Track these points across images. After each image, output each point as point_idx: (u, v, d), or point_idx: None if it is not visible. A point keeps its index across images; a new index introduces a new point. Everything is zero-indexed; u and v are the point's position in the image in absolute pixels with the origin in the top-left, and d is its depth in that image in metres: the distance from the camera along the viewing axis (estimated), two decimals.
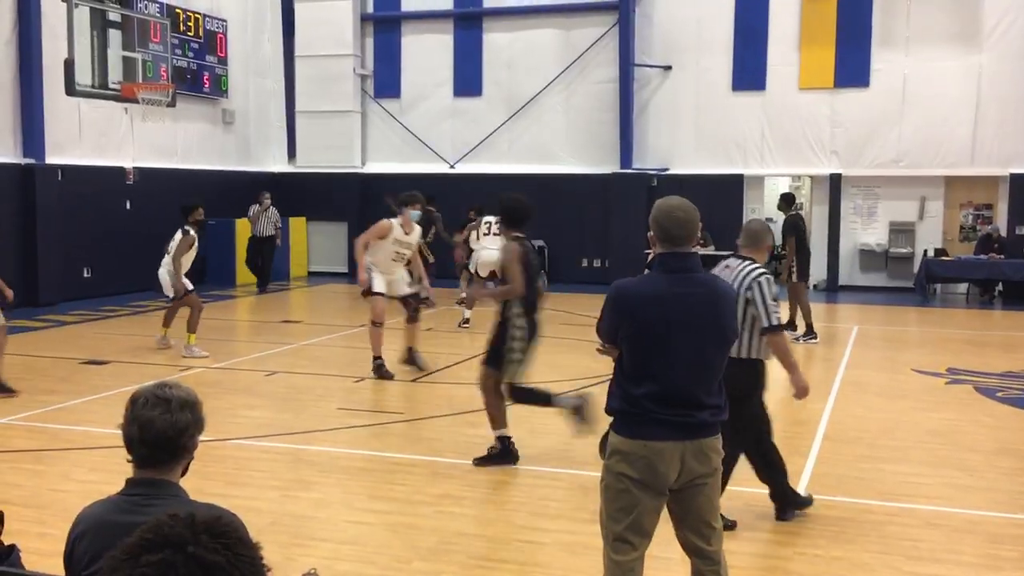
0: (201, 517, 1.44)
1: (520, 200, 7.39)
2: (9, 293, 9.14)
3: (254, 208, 18.25)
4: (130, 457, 2.64)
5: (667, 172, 19.15)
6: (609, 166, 19.46)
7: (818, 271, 19.35)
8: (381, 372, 10.11)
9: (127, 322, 14.17)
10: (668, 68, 19.23)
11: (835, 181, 18.73)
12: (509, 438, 7.06)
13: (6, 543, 2.85)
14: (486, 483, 6.62)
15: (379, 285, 10.21)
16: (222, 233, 18.40)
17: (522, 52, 19.90)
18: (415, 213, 10.24)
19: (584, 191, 19.39)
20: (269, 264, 18.41)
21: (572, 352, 11.82)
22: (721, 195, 18.50)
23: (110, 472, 6.46)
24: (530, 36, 19.95)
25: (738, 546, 5.20)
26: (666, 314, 3.69)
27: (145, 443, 2.57)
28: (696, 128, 19.23)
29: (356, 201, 20.79)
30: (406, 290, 10.53)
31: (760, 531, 5.70)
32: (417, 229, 10.40)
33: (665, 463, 3.70)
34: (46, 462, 7.10)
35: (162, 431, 2.57)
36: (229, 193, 19.09)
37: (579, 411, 6.92)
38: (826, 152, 18.75)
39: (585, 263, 19.65)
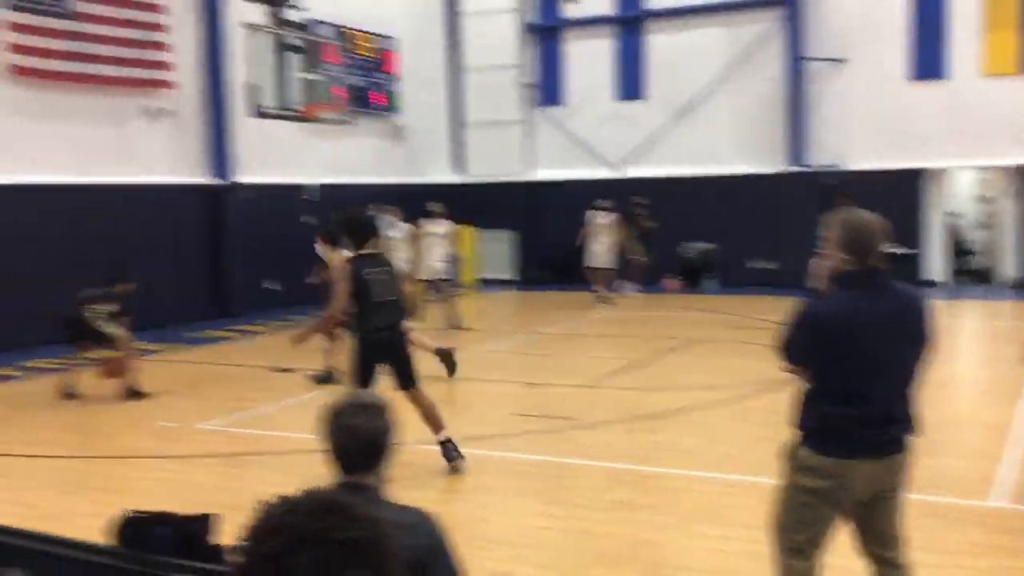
0: (309, 501, 1.40)
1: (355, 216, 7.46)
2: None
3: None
4: (335, 463, 2.78)
5: (839, 169, 18.48)
6: (778, 165, 18.96)
7: (1009, 267, 18.23)
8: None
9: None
10: (839, 61, 18.57)
11: None
12: (449, 440, 7.02)
13: (214, 544, 3.05)
14: (663, 489, 6.59)
15: None
16: None
17: (685, 53, 19.66)
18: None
19: (751, 191, 18.96)
20: None
21: (739, 356, 11.61)
22: (899, 191, 17.69)
23: (301, 476, 6.80)
24: (693, 36, 19.69)
25: (931, 558, 4.98)
26: (864, 335, 3.59)
27: (355, 449, 2.71)
28: (870, 122, 18.47)
29: (523, 209, 21.06)
30: None
31: (951, 542, 5.43)
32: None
33: (856, 480, 3.65)
34: (242, 466, 7.53)
35: (367, 437, 2.71)
36: (400, 205, 19.66)
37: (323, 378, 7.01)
38: (1014, 141, 17.64)
39: (754, 265, 19.20)
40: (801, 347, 3.73)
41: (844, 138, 18.68)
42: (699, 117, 19.66)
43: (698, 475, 6.86)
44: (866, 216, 3.73)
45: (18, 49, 13.06)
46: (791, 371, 3.85)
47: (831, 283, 3.72)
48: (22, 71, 13.12)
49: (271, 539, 1.35)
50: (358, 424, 2.72)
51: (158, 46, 14.99)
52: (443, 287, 14.37)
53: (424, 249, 14.30)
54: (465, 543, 5.47)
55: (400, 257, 13.76)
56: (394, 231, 13.91)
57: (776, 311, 14.64)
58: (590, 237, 16.95)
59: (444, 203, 20.19)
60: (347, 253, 10.68)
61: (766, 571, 4.76)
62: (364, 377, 6.85)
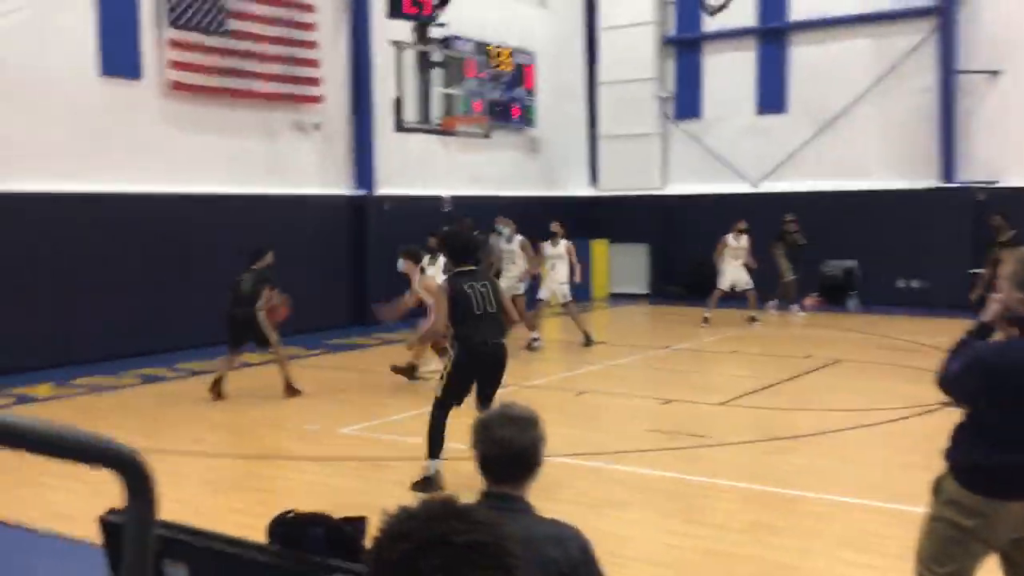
0: (432, 507, 1.42)
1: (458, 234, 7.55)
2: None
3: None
4: (484, 473, 2.84)
5: (996, 185, 17.64)
6: (928, 180, 18.23)
7: None
8: None
9: None
10: (996, 73, 17.74)
11: None
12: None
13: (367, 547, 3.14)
14: (803, 514, 6.42)
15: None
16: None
17: (831, 64, 19.14)
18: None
19: (899, 207, 18.28)
20: None
21: (883, 378, 11.21)
22: None
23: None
24: (840, 47, 19.15)
25: None
26: None
27: (506, 461, 2.76)
28: None
29: (658, 223, 20.90)
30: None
31: None
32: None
33: (1009, 521, 3.51)
34: (382, 470, 7.71)
35: (521, 448, 2.76)
36: (535, 218, 19.82)
37: (426, 483, 6.85)
38: None
39: (901, 284, 18.50)
40: (965, 388, 3.63)
41: (999, 153, 17.82)
42: (844, 130, 19.10)
43: (840, 500, 6.65)
44: None
45: (176, 65, 13.78)
46: (951, 403, 3.75)
47: (1005, 323, 3.56)
48: (180, 87, 13.84)
49: (395, 545, 1.39)
50: (509, 436, 2.77)
51: (308, 63, 15.58)
52: (569, 306, 14.31)
53: (547, 269, 14.30)
54: (601, 559, 5.48)
55: (512, 272, 13.86)
56: (511, 244, 13.96)
57: (923, 332, 14.17)
58: (722, 258, 16.50)
59: (577, 217, 20.31)
60: (431, 272, 10.96)
61: None
62: (460, 390, 6.95)
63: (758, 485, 6.98)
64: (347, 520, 3.16)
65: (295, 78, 15.43)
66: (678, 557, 5.62)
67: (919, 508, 5.85)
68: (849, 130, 19.05)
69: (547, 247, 14.37)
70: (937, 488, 3.71)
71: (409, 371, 11.10)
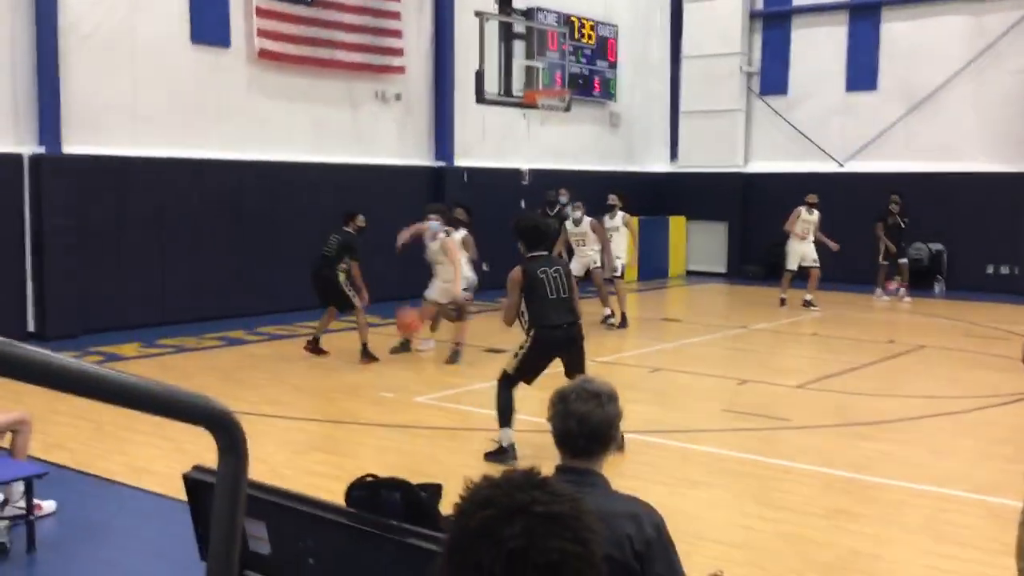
0: (515, 478, 1.44)
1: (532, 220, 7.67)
2: (365, 297, 10.65)
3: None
4: (560, 447, 2.83)
5: None
6: (1022, 164, 17.58)
7: None
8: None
9: None
10: None
11: None
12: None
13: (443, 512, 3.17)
14: (884, 501, 6.28)
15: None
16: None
17: (925, 41, 18.52)
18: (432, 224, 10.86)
19: (991, 191, 17.67)
20: None
21: (968, 366, 10.90)
22: None
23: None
24: (935, 24, 18.51)
25: None
26: None
27: (583, 435, 2.75)
28: None
29: (738, 201, 20.57)
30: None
31: None
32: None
33: None
34: (458, 440, 7.78)
35: (598, 423, 2.74)
36: (619, 193, 19.67)
37: (500, 453, 6.90)
38: None
39: (991, 269, 17.92)
40: None
41: None
42: (936, 110, 18.50)
43: (920, 488, 6.50)
44: None
45: (263, 34, 13.96)
46: None
47: None
48: (267, 55, 14.03)
49: (477, 512, 1.40)
50: (586, 411, 2.76)
51: (391, 33, 15.64)
52: (617, 282, 13.99)
53: (606, 244, 13.97)
54: (676, 538, 5.44)
55: (587, 250, 13.69)
56: (582, 225, 13.74)
57: (1013, 320, 13.70)
58: (794, 231, 15.75)
59: (656, 193, 20.11)
60: (458, 236, 11.00)
61: None
62: (531, 371, 7.08)
63: (836, 470, 6.85)
64: (423, 487, 3.20)
65: (378, 48, 15.50)
66: (753, 539, 5.55)
67: (1003, 499, 5.72)
68: (941, 110, 18.45)
69: (605, 219, 14.04)
70: None
71: (404, 346, 11.23)
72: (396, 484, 3.20)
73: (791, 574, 5.02)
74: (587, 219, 13.67)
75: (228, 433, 1.49)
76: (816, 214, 15.77)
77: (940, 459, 7.27)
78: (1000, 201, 17.53)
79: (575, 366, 7.08)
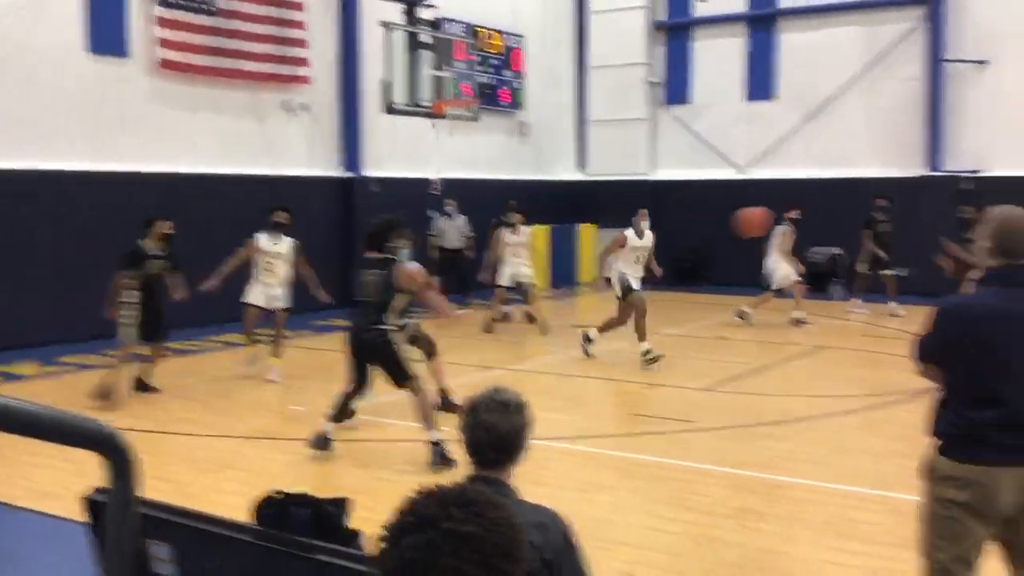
0: (447, 492, 1.46)
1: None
2: (325, 296, 10.21)
3: (440, 218, 16.88)
4: (470, 457, 2.84)
5: (981, 174, 17.71)
6: (914, 169, 18.29)
7: None
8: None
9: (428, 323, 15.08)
10: (982, 63, 17.78)
11: None
12: (440, 443, 7.07)
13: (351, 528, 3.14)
14: (788, 500, 6.45)
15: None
16: None
17: (820, 52, 19.14)
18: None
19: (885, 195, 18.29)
20: (464, 278, 16.54)
21: (868, 366, 11.27)
22: None
23: (419, 465, 6.93)
24: (829, 34, 19.15)
25: None
26: (1007, 332, 3.45)
27: (492, 446, 2.76)
28: (1014, 126, 17.62)
29: (646, 208, 20.84)
30: None
31: None
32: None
33: (1000, 490, 3.45)
34: (372, 452, 7.70)
35: (506, 434, 2.75)
36: (524, 202, 19.80)
37: (321, 442, 7.21)
38: None
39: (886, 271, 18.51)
40: (934, 342, 3.62)
41: (985, 143, 17.88)
42: (832, 118, 19.13)
43: (825, 486, 6.70)
44: (1019, 212, 3.59)
45: (165, 44, 13.67)
46: (924, 372, 3.73)
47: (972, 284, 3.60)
48: (168, 65, 13.73)
49: (400, 517, 1.44)
50: (494, 421, 2.77)
51: (296, 43, 15.48)
52: (530, 291, 14.15)
53: (506, 255, 14.09)
54: (587, 543, 5.48)
55: (520, 262, 13.82)
56: (520, 234, 13.94)
57: (909, 320, 14.19)
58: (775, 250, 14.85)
59: (565, 201, 20.29)
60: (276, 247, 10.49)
61: None
62: (354, 373, 7.37)
63: (744, 470, 7.01)
64: (330, 501, 3.16)
65: (283, 58, 15.33)
66: (664, 541, 5.64)
67: (903, 495, 5.92)
68: (837, 118, 19.08)
69: (508, 234, 14.02)
70: (926, 469, 3.69)
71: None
72: (306, 500, 3.17)
73: (700, 575, 5.12)
74: (524, 228, 13.88)
75: (116, 455, 1.47)
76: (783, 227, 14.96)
77: (843, 457, 7.50)
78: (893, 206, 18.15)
79: (391, 377, 7.27)
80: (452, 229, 16.68)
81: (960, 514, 3.52)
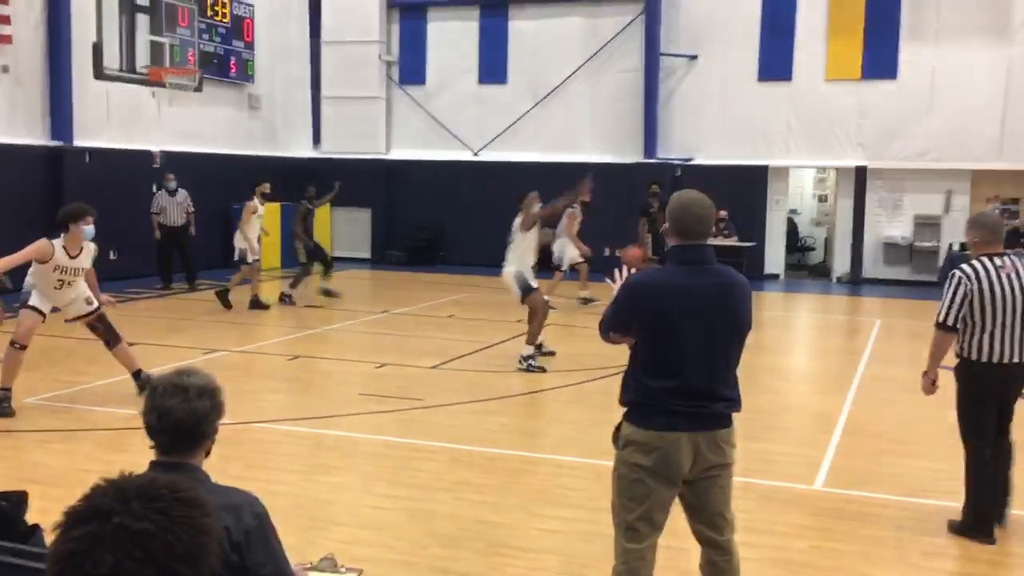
0: (134, 483, 1.41)
1: None
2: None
3: (159, 194, 15.98)
4: (154, 443, 2.69)
5: (691, 162, 19.08)
6: (634, 155, 19.41)
7: (842, 264, 19.23)
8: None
9: (152, 304, 14.33)
10: (694, 57, 19.14)
11: (861, 173, 18.60)
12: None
13: (30, 523, 2.91)
14: (505, 471, 6.67)
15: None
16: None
17: (547, 40, 19.87)
18: (88, 229, 8.27)
19: (608, 179, 19.28)
20: (189, 257, 16.20)
21: (590, 342, 11.84)
22: (745, 186, 18.45)
23: (134, 453, 6.57)
24: (555, 24, 19.91)
25: (755, 538, 5.22)
26: (680, 305, 3.71)
27: (164, 431, 2.63)
28: (721, 118, 19.13)
29: (381, 187, 20.86)
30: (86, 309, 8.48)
31: (777, 524, 5.71)
32: (89, 249, 8.44)
33: (680, 454, 3.73)
34: (72, 442, 7.20)
35: (181, 419, 2.62)
36: (255, 178, 19.18)
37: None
38: (852, 144, 18.62)
39: (607, 252, 19.55)
40: (619, 314, 3.86)
41: (696, 133, 19.29)
42: (559, 105, 19.92)
43: (538, 457, 6.99)
44: (695, 195, 3.87)
45: None
46: (611, 340, 3.95)
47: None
48: None
49: (80, 504, 1.40)
50: (170, 406, 2.63)
51: None
52: (244, 267, 13.86)
53: (251, 230, 13.77)
54: (307, 524, 5.44)
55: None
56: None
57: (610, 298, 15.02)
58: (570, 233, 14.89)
59: (299, 179, 19.81)
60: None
61: (601, 551, 4.90)
62: None
63: (463, 445, 7.18)
64: (4, 495, 2.92)
65: None
66: (382, 518, 5.67)
67: (607, 462, 6.27)
68: (564, 105, 19.89)
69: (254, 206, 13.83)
70: (616, 435, 3.93)
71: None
72: None
73: (415, 548, 5.19)
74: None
75: None
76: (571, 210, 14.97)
77: (555, 428, 7.86)
78: (613, 190, 19.18)
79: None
80: (173, 206, 15.89)
81: (644, 476, 3.77)
